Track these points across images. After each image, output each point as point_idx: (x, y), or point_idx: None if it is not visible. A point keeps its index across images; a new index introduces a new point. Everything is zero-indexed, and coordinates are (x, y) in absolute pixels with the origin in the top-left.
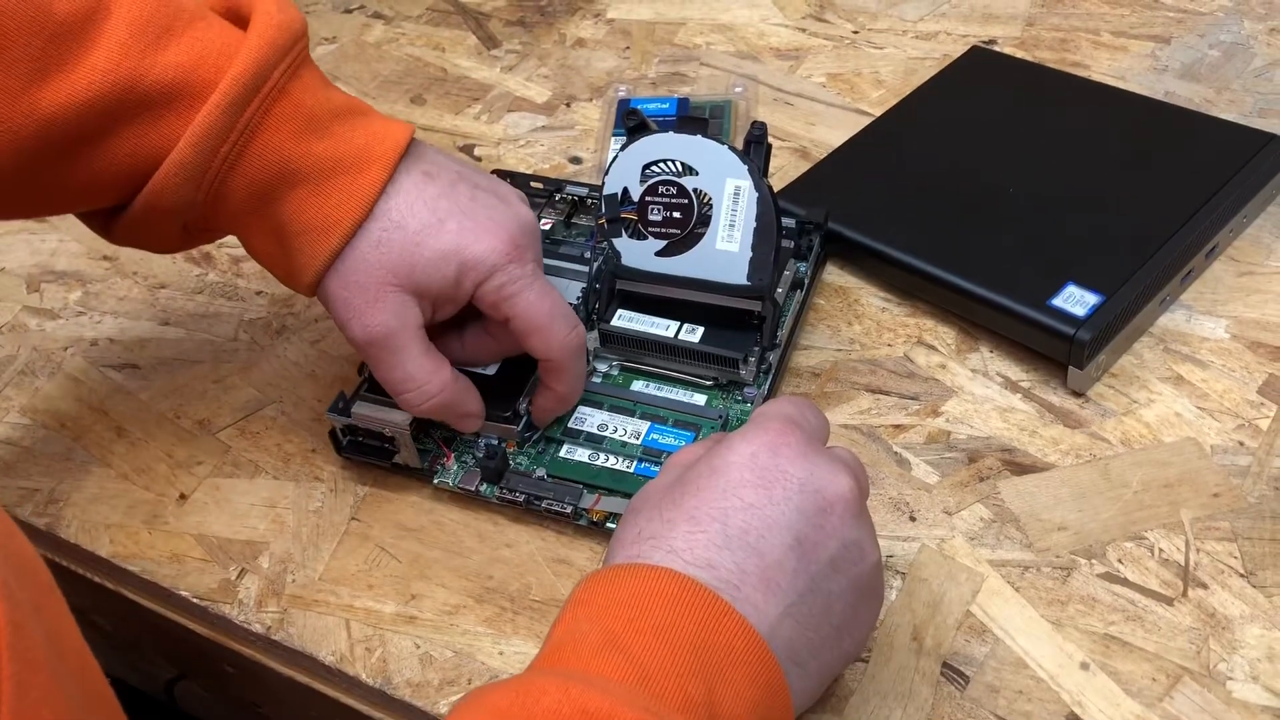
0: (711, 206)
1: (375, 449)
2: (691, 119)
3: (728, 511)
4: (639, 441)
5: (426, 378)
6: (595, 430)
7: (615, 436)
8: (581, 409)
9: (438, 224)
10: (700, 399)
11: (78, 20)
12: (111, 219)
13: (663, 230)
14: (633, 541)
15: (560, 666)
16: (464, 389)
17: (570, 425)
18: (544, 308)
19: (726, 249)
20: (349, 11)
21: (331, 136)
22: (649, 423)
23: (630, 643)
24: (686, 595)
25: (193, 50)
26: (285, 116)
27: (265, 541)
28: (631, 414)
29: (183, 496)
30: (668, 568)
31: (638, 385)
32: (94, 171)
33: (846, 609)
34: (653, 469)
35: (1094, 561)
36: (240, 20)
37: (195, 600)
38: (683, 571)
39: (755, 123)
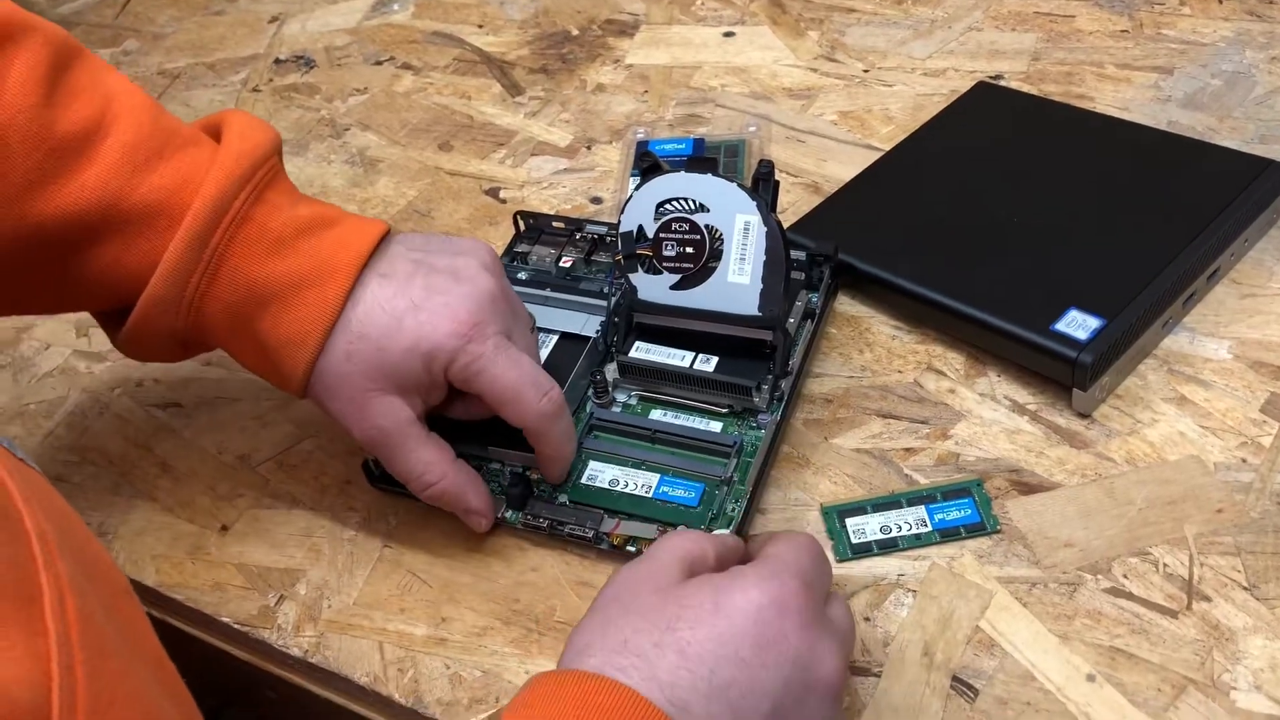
0: (723, 241)
1: None
2: (701, 159)
3: (720, 660)
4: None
5: (424, 469)
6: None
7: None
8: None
9: (396, 325)
10: (716, 426)
11: (77, 138)
12: (116, 334)
13: (677, 265)
14: (614, 649)
15: None
16: (464, 482)
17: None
18: (509, 381)
19: (738, 281)
20: (379, 64)
21: (296, 253)
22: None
23: None
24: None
25: (176, 175)
26: (250, 240)
27: (302, 569)
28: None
29: (224, 528)
30: (632, 689)
31: (656, 414)
32: (80, 278)
33: None
34: (671, 494)
35: (1100, 577)
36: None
37: (236, 626)
38: (655, 700)
39: (762, 160)
